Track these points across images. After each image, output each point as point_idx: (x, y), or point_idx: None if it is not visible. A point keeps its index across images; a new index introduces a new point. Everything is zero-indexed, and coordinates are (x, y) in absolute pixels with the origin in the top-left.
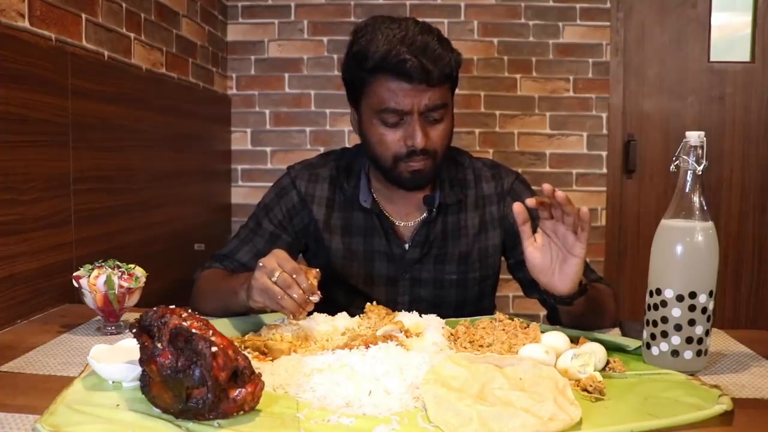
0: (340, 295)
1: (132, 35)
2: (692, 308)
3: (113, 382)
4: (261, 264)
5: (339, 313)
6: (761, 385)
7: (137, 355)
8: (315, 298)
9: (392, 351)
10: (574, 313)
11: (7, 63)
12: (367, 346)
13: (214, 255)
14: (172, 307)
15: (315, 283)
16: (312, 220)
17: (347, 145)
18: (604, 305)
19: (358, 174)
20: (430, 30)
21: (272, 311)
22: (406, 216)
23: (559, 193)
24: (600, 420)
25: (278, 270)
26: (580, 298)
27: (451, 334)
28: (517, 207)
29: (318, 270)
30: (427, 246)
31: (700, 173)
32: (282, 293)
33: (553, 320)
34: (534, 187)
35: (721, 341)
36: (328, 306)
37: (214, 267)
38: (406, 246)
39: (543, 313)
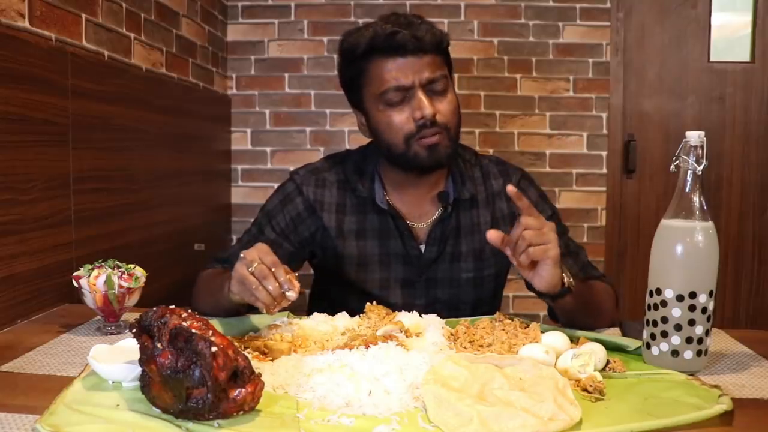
0: (353, 301)
1: (132, 35)
2: (692, 308)
3: (113, 382)
4: (242, 255)
5: (339, 313)
6: (761, 385)
7: (137, 355)
8: (291, 294)
9: (392, 351)
10: (565, 308)
11: (7, 63)
12: (367, 346)
13: (216, 257)
14: (172, 307)
15: (294, 279)
16: (320, 227)
17: (347, 145)
18: (598, 304)
19: (371, 175)
20: (414, 15)
21: (249, 308)
22: (420, 217)
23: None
24: (600, 420)
25: (257, 261)
26: (565, 296)
27: (451, 334)
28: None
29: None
30: (443, 243)
31: (700, 173)
32: (257, 284)
33: (553, 317)
34: None
35: (721, 341)
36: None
37: (214, 267)
38: (422, 247)
39: (543, 313)
